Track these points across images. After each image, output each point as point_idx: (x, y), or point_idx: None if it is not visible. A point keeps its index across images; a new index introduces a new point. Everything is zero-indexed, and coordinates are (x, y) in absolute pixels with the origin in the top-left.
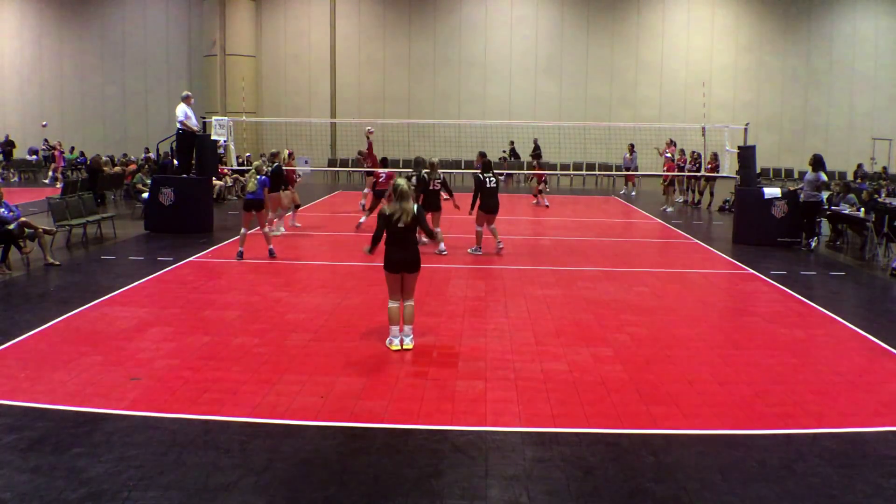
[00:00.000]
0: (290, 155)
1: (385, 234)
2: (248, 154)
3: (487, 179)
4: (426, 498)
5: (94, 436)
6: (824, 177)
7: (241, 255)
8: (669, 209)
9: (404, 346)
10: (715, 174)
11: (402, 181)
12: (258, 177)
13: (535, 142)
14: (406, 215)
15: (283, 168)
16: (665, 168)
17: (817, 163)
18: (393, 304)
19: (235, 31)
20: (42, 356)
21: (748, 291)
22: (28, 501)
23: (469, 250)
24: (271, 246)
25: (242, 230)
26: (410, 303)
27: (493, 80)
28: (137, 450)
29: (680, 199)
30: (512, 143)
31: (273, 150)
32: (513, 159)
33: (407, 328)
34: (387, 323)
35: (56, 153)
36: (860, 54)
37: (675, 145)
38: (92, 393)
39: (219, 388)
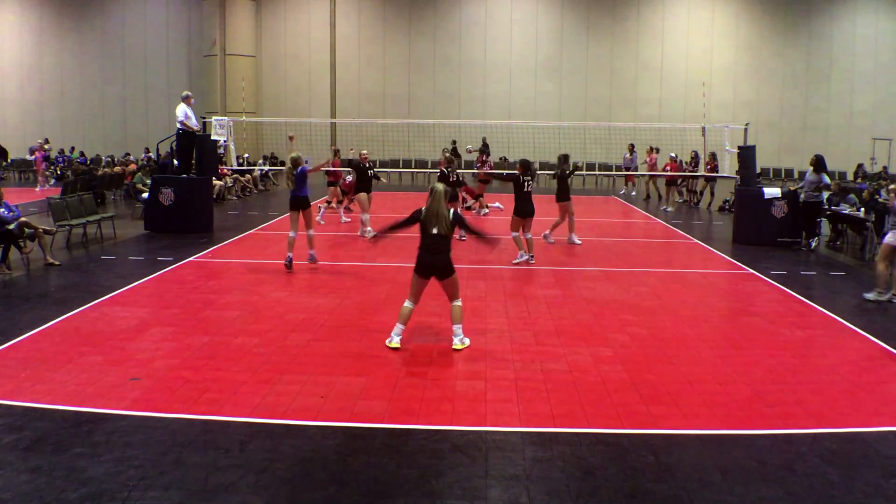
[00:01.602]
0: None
1: (420, 239)
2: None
3: (526, 182)
4: (426, 498)
5: (94, 436)
6: (827, 179)
7: (290, 263)
8: (669, 209)
9: (453, 347)
10: (714, 174)
11: (439, 185)
12: (297, 168)
13: (484, 140)
14: (441, 222)
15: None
16: (667, 168)
17: (819, 163)
18: (407, 305)
19: (235, 31)
20: (42, 356)
21: (748, 291)
22: (28, 501)
23: (514, 261)
24: (313, 251)
25: (290, 234)
26: (456, 303)
27: (493, 80)
28: (137, 450)
29: (679, 199)
30: (454, 141)
31: (363, 151)
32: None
33: (456, 328)
34: (387, 322)
35: (38, 155)
36: (860, 54)
37: (656, 151)
38: (92, 393)
39: (219, 388)
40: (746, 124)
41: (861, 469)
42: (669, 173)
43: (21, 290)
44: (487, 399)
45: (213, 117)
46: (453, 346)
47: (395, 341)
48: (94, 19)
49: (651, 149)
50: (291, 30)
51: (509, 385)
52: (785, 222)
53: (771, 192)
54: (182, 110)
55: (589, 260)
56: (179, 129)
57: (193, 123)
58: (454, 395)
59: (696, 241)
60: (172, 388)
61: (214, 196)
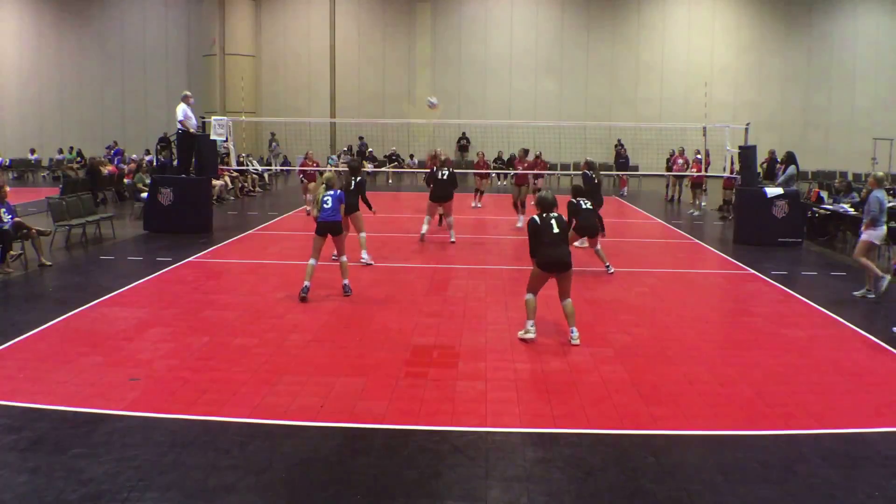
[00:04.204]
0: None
1: (545, 237)
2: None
3: (582, 202)
4: (426, 499)
5: (94, 436)
6: (792, 170)
7: (306, 292)
8: (696, 213)
9: (571, 342)
10: (706, 173)
11: (547, 194)
12: (331, 191)
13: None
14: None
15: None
16: (694, 169)
17: (790, 159)
18: (529, 297)
19: (235, 31)
20: (42, 356)
21: (749, 291)
22: (28, 502)
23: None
24: (346, 280)
25: (311, 261)
26: (568, 300)
27: (493, 80)
28: (137, 450)
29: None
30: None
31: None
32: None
33: (572, 325)
34: (386, 324)
35: None
36: (860, 54)
37: (676, 153)
38: (92, 393)
39: (219, 388)
40: (747, 124)
41: (862, 469)
42: (695, 174)
43: (21, 290)
44: (487, 399)
45: (213, 117)
46: (571, 342)
47: (530, 334)
48: (94, 19)
49: (678, 151)
50: (291, 30)
51: (509, 385)
52: (786, 222)
53: (773, 191)
54: (182, 110)
55: (589, 260)
56: (179, 128)
57: (193, 124)
58: (454, 396)
59: (696, 241)
60: (172, 389)
61: (214, 196)
